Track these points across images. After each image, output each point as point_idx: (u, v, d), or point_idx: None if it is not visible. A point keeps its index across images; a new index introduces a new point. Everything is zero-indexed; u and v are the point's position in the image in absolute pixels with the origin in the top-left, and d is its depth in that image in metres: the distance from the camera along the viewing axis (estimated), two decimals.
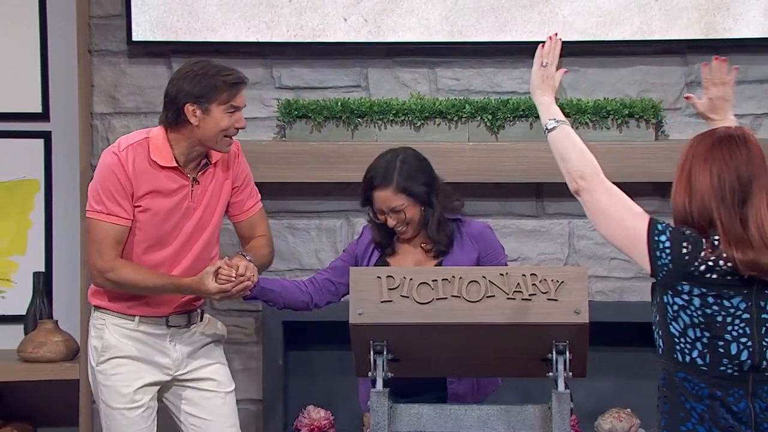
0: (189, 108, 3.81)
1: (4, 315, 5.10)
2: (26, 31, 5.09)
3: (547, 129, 3.30)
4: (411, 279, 4.00)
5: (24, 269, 5.10)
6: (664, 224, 3.09)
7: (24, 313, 5.03)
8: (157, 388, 3.95)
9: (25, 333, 4.98)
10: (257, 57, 4.99)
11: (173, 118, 3.84)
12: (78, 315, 4.93)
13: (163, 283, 3.84)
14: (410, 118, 4.88)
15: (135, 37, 4.93)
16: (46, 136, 5.13)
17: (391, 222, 3.90)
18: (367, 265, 3.91)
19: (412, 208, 3.94)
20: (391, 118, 4.88)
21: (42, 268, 5.10)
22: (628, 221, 3.10)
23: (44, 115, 5.12)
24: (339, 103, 4.89)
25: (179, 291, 3.87)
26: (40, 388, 5.01)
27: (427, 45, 4.93)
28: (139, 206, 3.85)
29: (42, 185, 5.13)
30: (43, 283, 5.05)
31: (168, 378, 3.93)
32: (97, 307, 3.95)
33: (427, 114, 4.88)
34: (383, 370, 4.10)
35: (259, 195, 4.13)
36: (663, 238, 3.05)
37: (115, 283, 3.85)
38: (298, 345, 5.04)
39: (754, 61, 4.89)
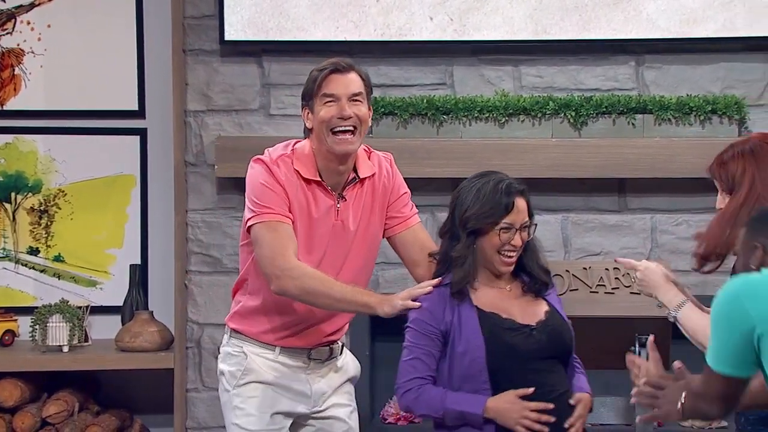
0: (305, 112, 3.48)
1: (102, 306, 5.22)
2: (123, 32, 5.22)
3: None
4: None
5: (121, 262, 5.24)
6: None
7: (121, 304, 5.16)
8: (293, 419, 3.59)
9: (122, 323, 5.11)
10: (345, 56, 4.99)
11: (304, 128, 3.50)
12: (172, 306, 5.05)
13: (344, 294, 3.36)
14: (494, 115, 4.94)
15: (227, 37, 5.03)
16: (142, 133, 5.26)
17: (517, 242, 3.35)
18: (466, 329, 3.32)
19: None
20: (475, 115, 4.94)
21: (138, 261, 5.23)
22: None
23: (140, 113, 5.25)
24: (424, 101, 4.96)
25: (355, 304, 3.38)
26: (137, 377, 5.14)
27: (512, 43, 4.99)
28: (293, 221, 3.44)
29: (138, 180, 5.26)
30: (139, 275, 5.18)
31: (306, 411, 3.58)
32: (235, 332, 3.58)
33: (511, 111, 4.93)
34: None
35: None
36: None
37: (297, 285, 3.35)
38: (385, 336, 5.12)
39: None
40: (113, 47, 5.23)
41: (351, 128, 3.40)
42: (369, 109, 3.48)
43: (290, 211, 3.40)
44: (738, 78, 4.97)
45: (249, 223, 3.42)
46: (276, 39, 5.03)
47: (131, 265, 5.19)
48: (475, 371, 3.25)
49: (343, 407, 3.65)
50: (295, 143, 3.50)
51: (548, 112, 4.92)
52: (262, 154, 3.50)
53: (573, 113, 4.91)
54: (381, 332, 5.08)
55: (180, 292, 5.06)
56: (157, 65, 5.22)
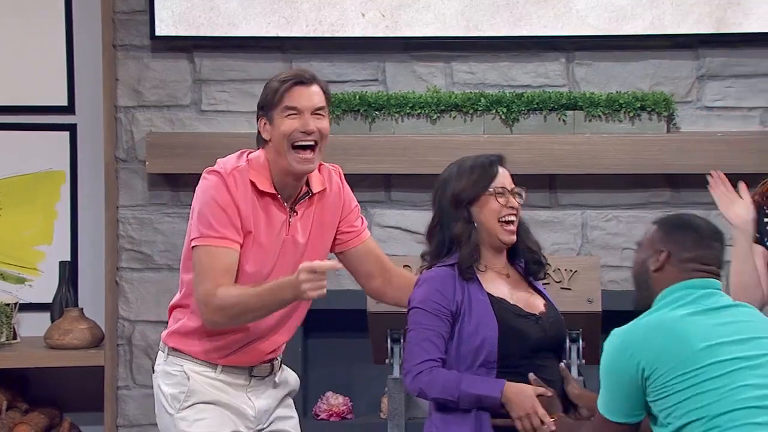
0: (261, 122, 3.35)
1: (31, 303, 5.17)
2: (52, 27, 5.17)
3: None
4: None
5: (50, 258, 5.19)
6: None
7: (50, 301, 5.12)
8: None
9: (52, 320, 5.07)
10: (277, 51, 5.07)
11: (257, 137, 3.38)
12: (103, 303, 5.02)
13: (259, 293, 3.26)
14: (426, 111, 4.96)
15: (158, 32, 5.01)
16: (72, 129, 5.21)
17: (514, 203, 3.33)
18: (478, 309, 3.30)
19: None
20: (407, 111, 4.96)
21: (68, 258, 5.19)
22: None
23: (70, 109, 5.20)
24: (357, 97, 4.97)
25: (279, 297, 3.27)
26: (66, 375, 5.10)
27: (443, 39, 5.01)
28: (245, 235, 3.33)
29: (68, 177, 5.21)
30: (69, 272, 5.13)
31: (251, 431, 3.48)
32: (174, 350, 3.43)
33: (443, 107, 4.96)
34: (400, 357, 4.21)
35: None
36: None
37: (219, 308, 3.27)
38: (317, 333, 5.13)
39: (765, 55, 4.98)
40: (42, 42, 5.18)
41: (312, 143, 3.30)
42: (329, 123, 3.39)
43: (242, 227, 3.30)
44: (666, 75, 5.03)
45: (192, 244, 3.31)
46: (207, 35, 5.02)
47: (61, 262, 5.14)
48: (485, 351, 3.23)
49: (287, 420, 3.60)
50: (249, 153, 3.39)
51: (480, 109, 4.95)
52: (213, 164, 3.38)
53: (504, 109, 4.94)
54: (313, 329, 5.08)
55: (110, 288, 5.03)
56: (86, 60, 5.18)
